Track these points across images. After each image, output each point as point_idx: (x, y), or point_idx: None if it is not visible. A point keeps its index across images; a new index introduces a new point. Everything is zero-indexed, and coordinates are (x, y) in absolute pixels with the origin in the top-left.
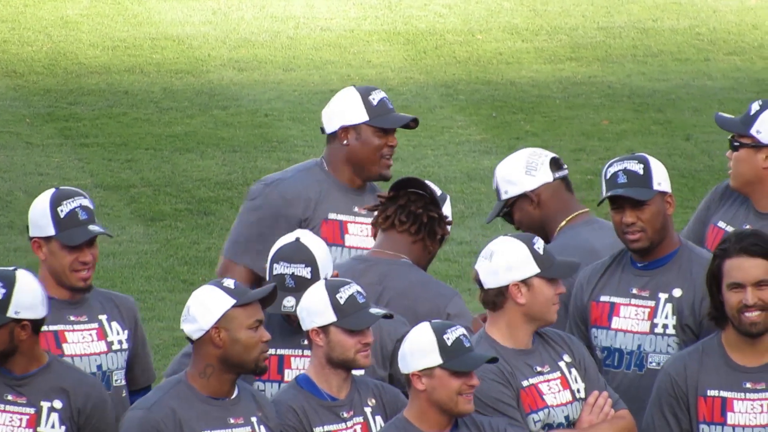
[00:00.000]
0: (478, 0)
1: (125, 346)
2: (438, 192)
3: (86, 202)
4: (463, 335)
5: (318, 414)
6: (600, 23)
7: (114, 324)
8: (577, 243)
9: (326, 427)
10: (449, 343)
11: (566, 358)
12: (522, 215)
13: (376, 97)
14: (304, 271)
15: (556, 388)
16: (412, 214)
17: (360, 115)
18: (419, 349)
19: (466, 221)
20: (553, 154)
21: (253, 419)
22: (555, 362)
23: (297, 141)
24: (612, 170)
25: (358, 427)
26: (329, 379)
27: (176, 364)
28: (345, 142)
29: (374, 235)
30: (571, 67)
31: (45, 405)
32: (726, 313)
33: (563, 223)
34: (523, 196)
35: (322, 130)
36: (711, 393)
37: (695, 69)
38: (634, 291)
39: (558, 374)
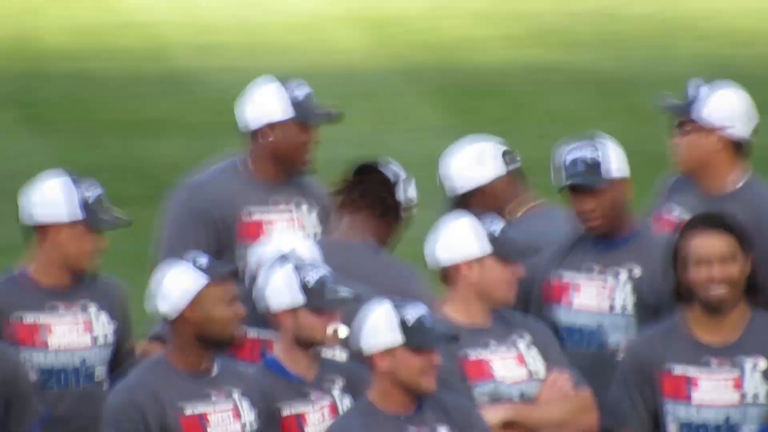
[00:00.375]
0: None
1: (110, 340)
2: (402, 175)
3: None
4: (423, 314)
5: (284, 394)
6: (565, 9)
7: (102, 316)
8: (531, 235)
9: (295, 407)
10: (409, 322)
11: (526, 337)
12: (477, 210)
13: (299, 92)
14: None
15: (511, 365)
16: (377, 197)
17: (285, 112)
18: (380, 329)
19: (429, 206)
20: (505, 146)
21: (235, 394)
22: (513, 341)
23: None
24: (570, 157)
25: (326, 409)
26: (298, 360)
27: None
28: (270, 138)
29: (339, 218)
30: (536, 53)
31: None
32: (691, 291)
33: (518, 214)
34: (477, 191)
35: (238, 128)
36: (677, 371)
37: (660, 54)
38: (594, 269)
39: (514, 352)
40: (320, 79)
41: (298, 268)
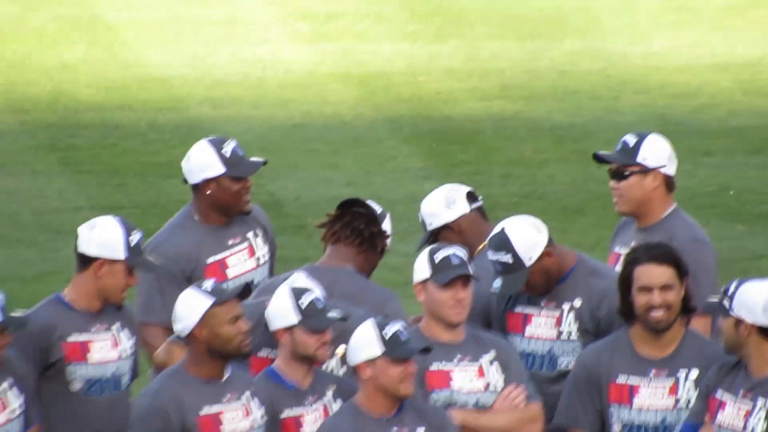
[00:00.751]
0: (420, 46)
1: (130, 352)
2: (379, 210)
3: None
4: (400, 330)
5: (283, 400)
6: (525, 67)
7: (123, 333)
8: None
9: (291, 411)
10: (387, 336)
11: (491, 354)
12: (446, 243)
13: (228, 148)
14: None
15: (471, 377)
16: (356, 230)
17: (217, 168)
18: (363, 343)
19: (409, 237)
20: (468, 188)
21: (246, 394)
22: (478, 356)
23: (263, 168)
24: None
25: (319, 412)
26: (295, 371)
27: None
28: (208, 192)
29: (324, 248)
30: (500, 104)
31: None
32: (634, 312)
33: (480, 247)
34: (445, 227)
35: (185, 181)
36: (621, 380)
37: (607, 105)
38: (543, 303)
39: (477, 366)
40: (314, 128)
41: (295, 292)
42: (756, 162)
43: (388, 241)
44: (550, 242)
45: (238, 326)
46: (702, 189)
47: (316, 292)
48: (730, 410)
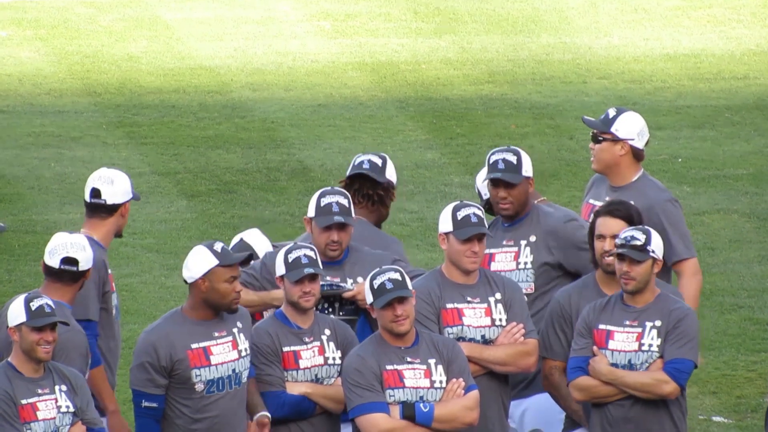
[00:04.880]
0: (422, 41)
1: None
2: (380, 162)
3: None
4: (388, 279)
5: (287, 338)
6: (508, 57)
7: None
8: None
9: (291, 347)
10: (376, 286)
11: (497, 295)
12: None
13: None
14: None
15: (480, 314)
16: (366, 195)
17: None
18: (367, 293)
19: (415, 197)
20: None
21: (234, 330)
22: (486, 296)
23: (294, 140)
24: (494, 158)
25: (316, 349)
26: (295, 314)
27: None
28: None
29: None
30: (489, 88)
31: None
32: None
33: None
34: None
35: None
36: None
37: (576, 89)
38: (504, 242)
39: (485, 305)
40: (335, 108)
41: (288, 249)
42: (699, 135)
43: (394, 191)
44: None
45: (234, 286)
46: (655, 157)
47: (304, 248)
48: (621, 336)
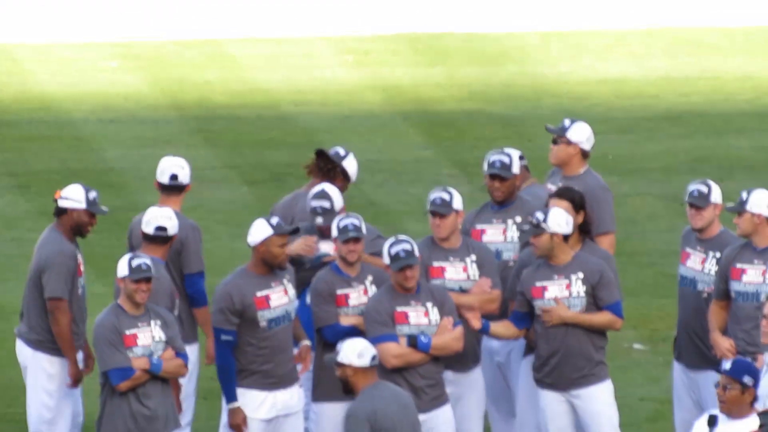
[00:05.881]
0: (420, 70)
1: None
2: (344, 153)
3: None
4: (402, 250)
5: (338, 283)
6: (484, 82)
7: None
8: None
9: (342, 290)
10: (392, 253)
11: (473, 257)
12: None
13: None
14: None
15: (458, 270)
16: (321, 168)
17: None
18: (384, 256)
19: (414, 184)
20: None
21: (284, 281)
22: (464, 257)
23: (326, 142)
24: (493, 158)
25: (361, 290)
26: (344, 265)
27: None
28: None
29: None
30: (470, 104)
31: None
32: None
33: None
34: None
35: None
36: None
37: (534, 105)
38: (494, 221)
39: (463, 264)
40: (356, 119)
41: (340, 218)
42: (623, 138)
43: (352, 173)
44: (526, 168)
45: (283, 250)
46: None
47: (351, 217)
48: (554, 287)
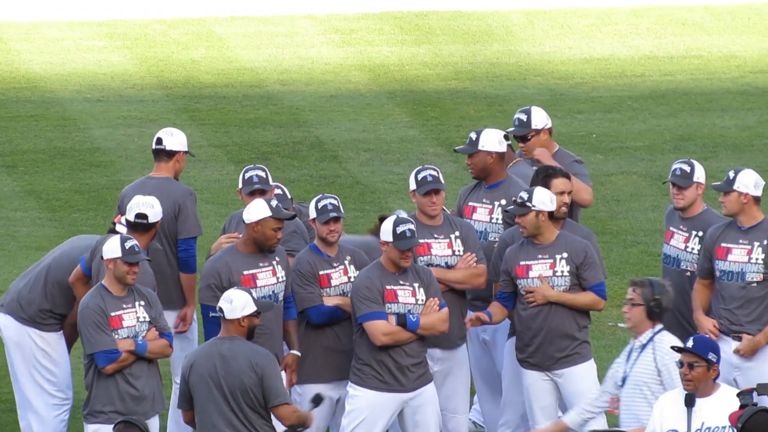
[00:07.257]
0: (405, 48)
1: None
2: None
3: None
4: (408, 229)
5: (320, 264)
6: (469, 60)
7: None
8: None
9: (324, 270)
10: (398, 232)
11: (457, 233)
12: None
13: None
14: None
15: (443, 246)
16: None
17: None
18: (384, 232)
19: (400, 163)
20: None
21: (273, 262)
22: (448, 234)
23: (312, 121)
24: (472, 136)
25: (341, 270)
26: (324, 246)
27: None
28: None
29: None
30: (455, 83)
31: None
32: None
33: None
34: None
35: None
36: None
37: (519, 84)
38: (484, 201)
39: (448, 240)
40: (342, 98)
41: (318, 199)
42: (608, 117)
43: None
44: (511, 148)
45: (276, 234)
46: (575, 134)
47: (327, 197)
48: (539, 267)
